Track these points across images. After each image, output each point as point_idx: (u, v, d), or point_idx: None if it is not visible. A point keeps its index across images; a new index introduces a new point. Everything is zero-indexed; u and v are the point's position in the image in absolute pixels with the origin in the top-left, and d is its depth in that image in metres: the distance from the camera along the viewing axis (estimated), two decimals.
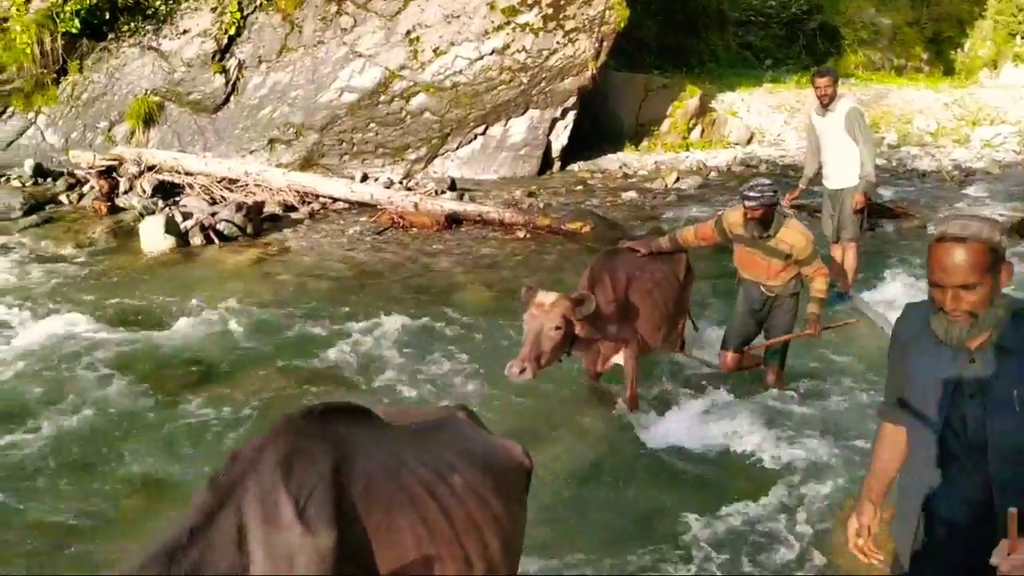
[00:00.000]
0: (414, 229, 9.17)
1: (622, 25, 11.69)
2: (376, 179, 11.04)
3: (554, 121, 11.85)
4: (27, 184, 10.21)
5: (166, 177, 10.05)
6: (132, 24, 11.83)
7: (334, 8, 11.63)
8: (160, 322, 6.26)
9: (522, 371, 4.06)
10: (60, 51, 11.61)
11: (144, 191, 9.84)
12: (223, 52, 11.76)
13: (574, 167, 12.46)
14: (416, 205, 9.46)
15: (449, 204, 9.62)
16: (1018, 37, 19.71)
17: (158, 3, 11.78)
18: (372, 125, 11.57)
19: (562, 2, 11.47)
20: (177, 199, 9.82)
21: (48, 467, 4.29)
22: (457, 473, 2.13)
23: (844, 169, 6.49)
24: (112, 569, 1.69)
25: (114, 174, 10.17)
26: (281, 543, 1.71)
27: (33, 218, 9.17)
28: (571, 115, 11.89)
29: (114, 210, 9.51)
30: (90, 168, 10.25)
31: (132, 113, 11.67)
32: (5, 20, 11.37)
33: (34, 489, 4.13)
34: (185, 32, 11.83)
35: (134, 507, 3.99)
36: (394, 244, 8.76)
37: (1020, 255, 7.31)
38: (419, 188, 10.79)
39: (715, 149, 13.68)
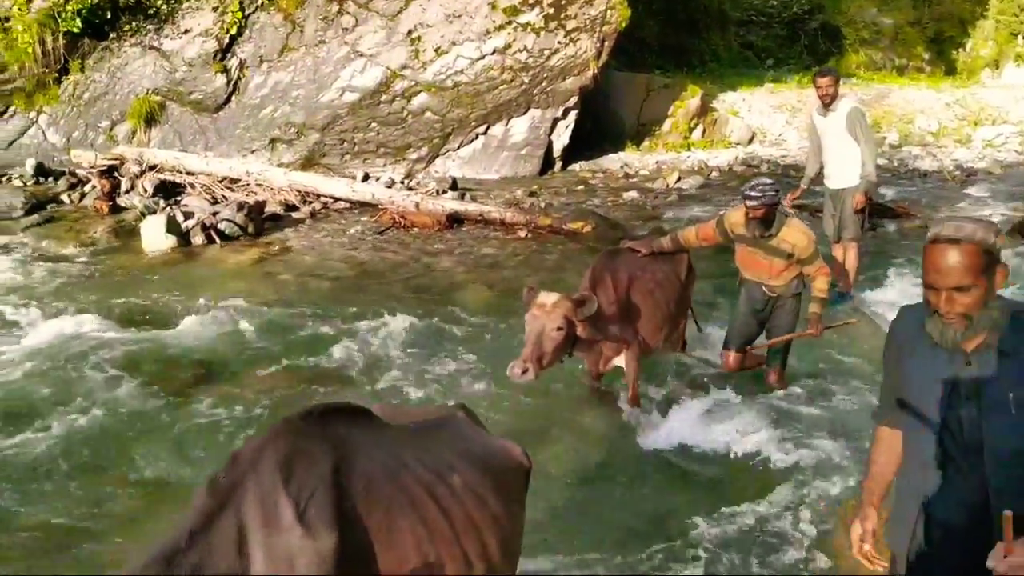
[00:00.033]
0: (415, 229, 9.17)
1: (623, 25, 11.69)
2: (377, 179, 11.04)
3: (555, 121, 11.85)
4: (28, 183, 10.22)
5: (167, 177, 10.06)
6: (134, 23, 11.84)
7: (335, 8, 11.64)
8: (164, 322, 6.26)
9: (524, 372, 4.05)
10: (62, 50, 11.62)
11: (145, 190, 9.84)
12: (224, 52, 11.77)
13: (575, 167, 12.47)
14: (417, 205, 9.46)
15: (450, 204, 9.62)
16: (1020, 37, 19.69)
17: (160, 2, 11.79)
18: (373, 125, 11.57)
19: (563, 2, 11.47)
20: (178, 199, 9.82)
21: (56, 467, 4.29)
22: (456, 473, 2.13)
23: (845, 169, 6.48)
24: (117, 569, 1.68)
25: (115, 173, 10.18)
26: (281, 546, 1.71)
27: (35, 217, 9.19)
28: (572, 115, 11.89)
29: (115, 209, 9.53)
30: (91, 167, 10.26)
31: (133, 112, 11.68)
32: (7, 19, 11.38)
33: (42, 488, 4.13)
34: (187, 32, 11.84)
35: (141, 507, 3.99)
36: (395, 244, 8.76)
37: (1022, 255, 7.31)
38: (420, 188, 10.79)
39: (716, 149, 13.67)
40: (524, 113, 11.72)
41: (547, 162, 12.05)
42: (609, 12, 11.52)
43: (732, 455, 4.46)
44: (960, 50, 20.35)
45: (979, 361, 2.07)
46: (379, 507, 1.90)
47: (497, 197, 10.58)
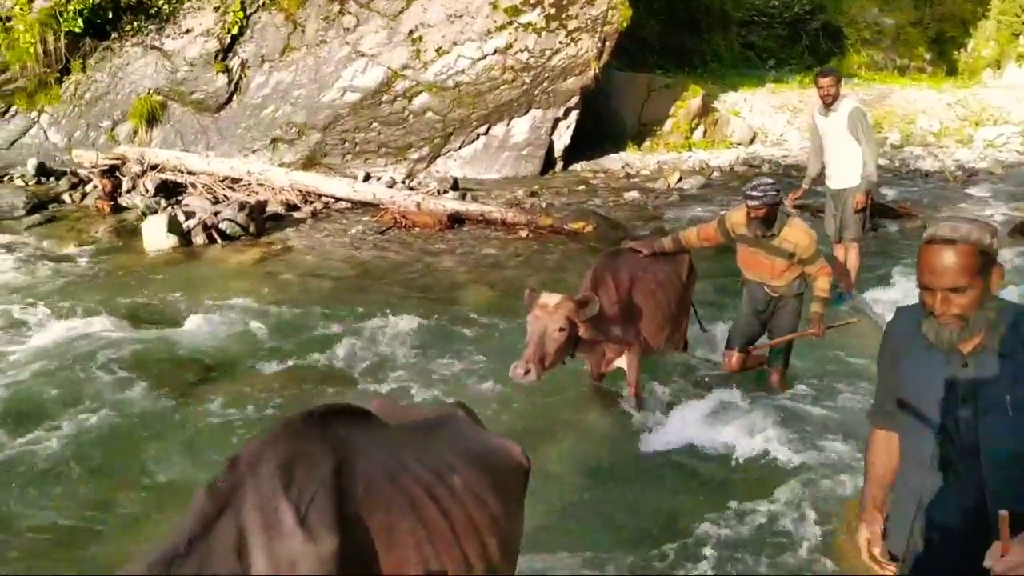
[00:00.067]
0: (416, 229, 9.18)
1: (625, 25, 11.68)
2: (378, 179, 11.05)
3: (557, 121, 11.85)
4: (30, 183, 10.23)
5: (169, 176, 10.07)
6: (135, 23, 11.84)
7: (337, 7, 11.64)
8: (168, 321, 6.27)
9: (526, 372, 4.05)
10: (63, 50, 11.62)
11: (147, 190, 9.85)
12: (226, 51, 11.77)
13: (576, 167, 12.47)
14: (419, 205, 9.46)
15: (451, 204, 9.62)
16: (1021, 37, 19.67)
17: (161, 2, 11.79)
18: (375, 125, 11.57)
19: (565, 2, 11.47)
20: (180, 198, 9.83)
21: (66, 467, 4.29)
22: (456, 474, 2.12)
23: (846, 169, 6.48)
24: (123, 569, 1.67)
25: (117, 173, 10.19)
26: (283, 550, 1.70)
27: (36, 217, 9.20)
28: (574, 115, 11.89)
29: (117, 209, 9.54)
30: (93, 167, 10.27)
31: (135, 112, 11.68)
32: (9, 19, 11.38)
33: (51, 489, 4.13)
34: (188, 31, 11.84)
35: (152, 507, 3.99)
36: (396, 244, 8.76)
37: None
38: (421, 188, 10.80)
39: (718, 149, 13.67)
40: (525, 113, 11.72)
41: (548, 162, 12.05)
42: (610, 12, 11.52)
43: (736, 455, 4.45)
44: (962, 50, 20.34)
45: (976, 363, 2.05)
46: (379, 509, 1.89)
47: (498, 197, 10.58)
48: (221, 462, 1.85)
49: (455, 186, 10.89)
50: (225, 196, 9.76)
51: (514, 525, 2.32)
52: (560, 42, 11.49)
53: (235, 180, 10.08)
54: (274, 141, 11.58)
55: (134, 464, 4.36)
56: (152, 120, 11.74)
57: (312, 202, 10.01)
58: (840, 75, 6.68)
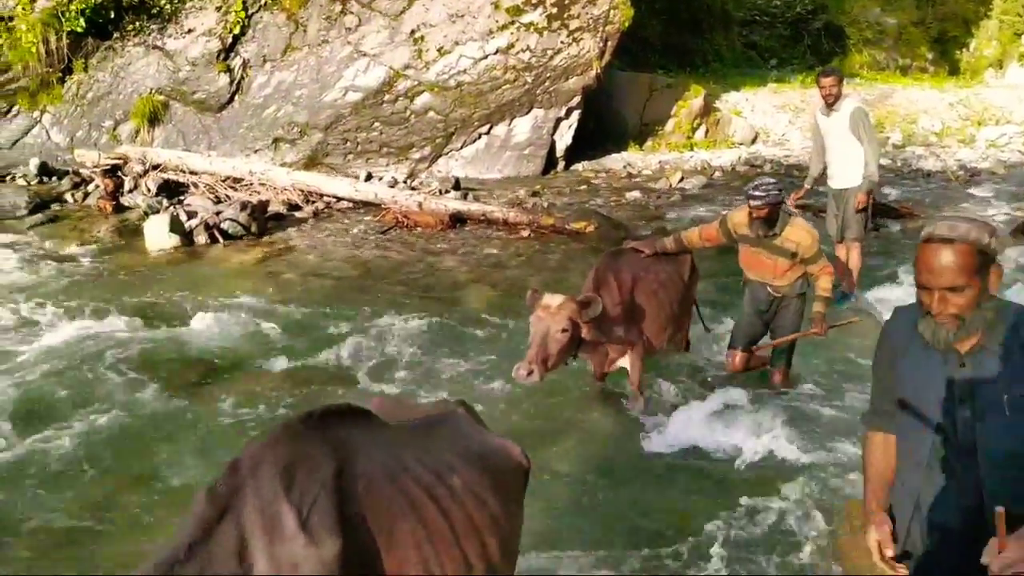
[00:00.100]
0: (418, 228, 9.18)
1: (626, 24, 11.68)
2: (380, 178, 11.05)
3: (558, 121, 11.85)
4: (32, 183, 10.24)
5: (171, 176, 10.07)
6: (137, 23, 11.85)
7: (339, 7, 11.64)
8: (173, 321, 6.28)
9: (529, 374, 4.05)
10: (65, 50, 11.63)
11: (149, 190, 9.86)
12: (228, 51, 11.78)
13: (578, 167, 12.46)
14: (420, 204, 9.47)
15: (453, 203, 9.62)
16: None
17: (163, 2, 11.79)
18: (376, 124, 11.58)
19: (566, 1, 11.47)
20: (181, 198, 9.84)
21: (76, 467, 4.30)
22: (456, 474, 2.12)
23: (848, 169, 6.48)
24: (134, 570, 1.67)
25: (119, 173, 10.20)
26: (285, 554, 1.69)
27: (39, 216, 9.20)
28: (575, 115, 11.88)
29: (119, 209, 9.55)
30: (95, 167, 10.28)
31: (137, 112, 11.69)
32: (11, 19, 11.39)
33: (61, 488, 4.13)
34: (190, 31, 11.85)
35: (162, 506, 3.99)
36: (398, 243, 8.76)
37: None
38: (423, 187, 10.80)
39: (719, 149, 13.66)
40: (527, 113, 11.72)
41: (550, 162, 12.05)
42: (612, 12, 11.52)
43: (741, 455, 4.45)
44: (964, 50, 20.31)
45: (973, 362, 2.04)
46: (380, 510, 1.89)
47: (500, 197, 10.58)
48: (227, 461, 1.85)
49: (457, 186, 10.89)
50: (227, 196, 9.77)
51: (514, 525, 2.32)
52: (562, 42, 11.49)
53: (237, 180, 10.09)
54: (276, 141, 11.58)
55: (145, 464, 4.37)
56: (154, 120, 11.75)
57: (314, 202, 10.01)
58: (842, 75, 6.68)
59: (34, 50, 11.36)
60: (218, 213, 8.95)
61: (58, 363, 5.46)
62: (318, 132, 11.54)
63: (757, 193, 4.54)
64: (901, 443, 2.23)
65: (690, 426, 4.67)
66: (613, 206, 10.41)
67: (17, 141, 11.79)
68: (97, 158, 10.41)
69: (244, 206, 8.99)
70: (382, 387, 5.26)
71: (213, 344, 5.88)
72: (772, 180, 4.68)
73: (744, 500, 3.99)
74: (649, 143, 13.65)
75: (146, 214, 9.13)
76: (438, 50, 11.48)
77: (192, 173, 10.10)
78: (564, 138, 12.01)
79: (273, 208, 9.61)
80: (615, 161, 12.84)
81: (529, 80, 11.52)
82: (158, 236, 8.29)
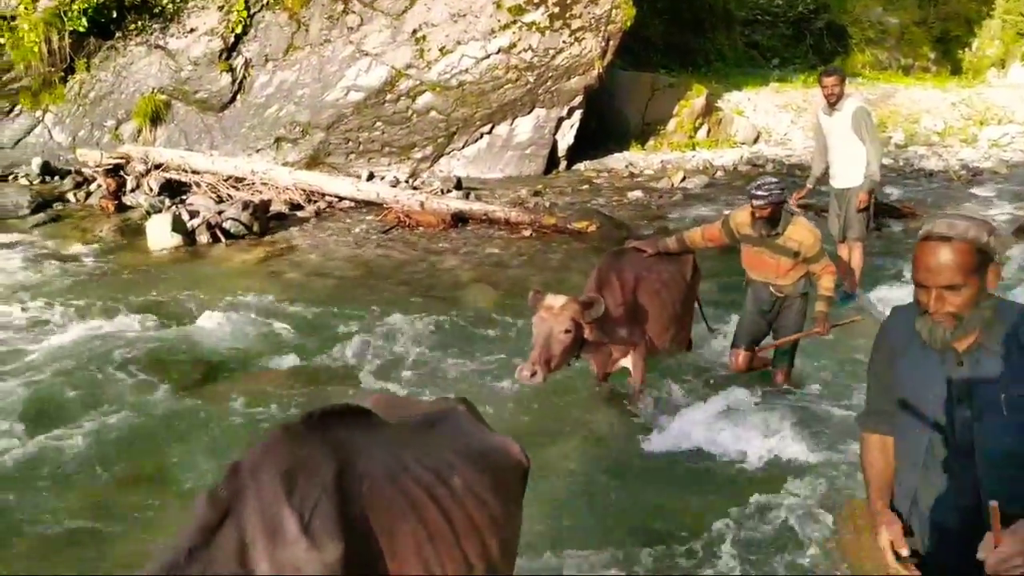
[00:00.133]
0: (420, 228, 9.18)
1: (628, 24, 11.68)
2: (382, 178, 11.06)
3: (560, 120, 11.85)
4: (35, 182, 10.27)
5: (173, 175, 10.09)
6: (139, 23, 11.86)
7: (341, 7, 11.65)
8: (178, 320, 6.29)
9: (532, 374, 4.05)
10: (67, 49, 11.64)
11: (151, 189, 9.87)
12: (230, 51, 11.79)
13: (580, 166, 12.46)
14: (422, 204, 9.47)
15: (455, 203, 9.62)
16: None
17: (165, 2, 11.80)
18: (378, 124, 11.58)
19: (568, 1, 11.46)
20: (184, 197, 9.85)
21: (86, 466, 4.30)
22: (456, 474, 2.12)
23: (850, 168, 6.47)
24: (140, 569, 1.67)
25: (121, 172, 10.22)
26: (287, 558, 1.69)
27: (41, 216, 9.23)
28: (577, 114, 11.89)
29: (121, 208, 9.57)
30: (97, 166, 10.29)
31: (139, 111, 11.70)
32: (13, 18, 11.40)
33: (72, 488, 4.14)
34: (192, 31, 11.85)
35: (174, 507, 3.99)
36: (400, 243, 8.77)
37: None
38: (425, 187, 10.80)
39: (721, 148, 13.66)
40: (529, 112, 11.72)
41: (552, 161, 12.05)
42: (614, 11, 11.52)
43: (745, 454, 4.45)
44: (966, 50, 20.29)
45: (971, 361, 2.03)
46: (381, 511, 1.89)
47: (502, 196, 10.58)
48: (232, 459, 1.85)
49: (458, 185, 10.90)
50: (229, 195, 9.78)
51: (513, 525, 2.32)
52: (564, 41, 11.49)
53: (239, 179, 10.10)
54: (278, 140, 11.59)
55: (157, 464, 4.37)
56: (156, 119, 11.76)
57: (316, 201, 10.02)
58: (844, 74, 6.67)
59: (36, 49, 11.37)
60: (220, 212, 8.96)
61: (67, 362, 5.47)
62: (320, 131, 11.54)
63: (760, 193, 4.54)
64: (899, 442, 2.23)
65: (695, 426, 4.66)
66: (615, 206, 10.40)
67: (19, 140, 11.80)
68: (99, 157, 10.42)
69: (246, 205, 8.99)
70: (389, 386, 5.26)
71: (220, 343, 5.89)
72: (774, 180, 4.67)
73: (751, 500, 3.97)
74: (651, 143, 13.65)
75: (148, 213, 9.14)
76: (440, 49, 11.48)
77: (194, 172, 10.11)
78: (566, 138, 12.01)
79: (275, 208, 9.62)
80: (617, 161, 12.84)
81: (531, 79, 11.52)
82: (160, 235, 8.30)
